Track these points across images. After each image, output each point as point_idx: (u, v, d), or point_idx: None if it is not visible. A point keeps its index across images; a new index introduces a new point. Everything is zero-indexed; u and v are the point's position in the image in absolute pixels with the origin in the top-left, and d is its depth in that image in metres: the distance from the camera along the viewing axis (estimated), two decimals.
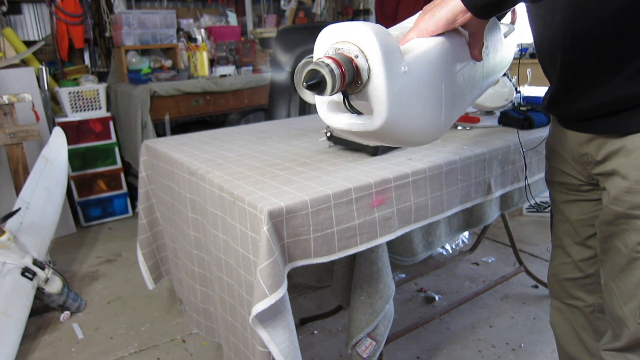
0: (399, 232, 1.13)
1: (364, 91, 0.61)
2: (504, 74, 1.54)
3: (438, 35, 0.70)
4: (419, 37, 0.70)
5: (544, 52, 0.90)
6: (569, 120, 0.91)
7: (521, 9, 0.92)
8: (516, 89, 1.71)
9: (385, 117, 0.61)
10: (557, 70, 0.86)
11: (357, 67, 0.60)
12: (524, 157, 1.37)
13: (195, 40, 3.36)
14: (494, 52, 0.89)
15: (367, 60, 0.59)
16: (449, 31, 0.72)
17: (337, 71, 0.58)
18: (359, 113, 0.65)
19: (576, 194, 0.98)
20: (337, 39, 0.61)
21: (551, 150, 1.03)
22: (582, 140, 0.87)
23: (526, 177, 1.37)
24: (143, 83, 2.92)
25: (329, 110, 0.67)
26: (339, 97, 0.65)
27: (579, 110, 0.85)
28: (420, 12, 0.74)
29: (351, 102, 0.64)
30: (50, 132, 2.42)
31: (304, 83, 0.58)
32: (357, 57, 0.60)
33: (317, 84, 0.58)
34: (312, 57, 0.65)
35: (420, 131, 0.71)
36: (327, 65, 0.58)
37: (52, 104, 3.02)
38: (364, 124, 0.64)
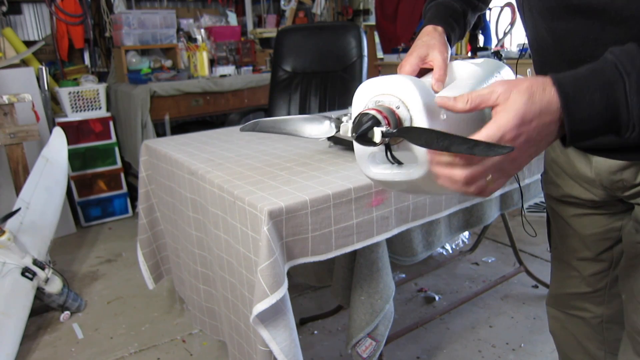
0: (395, 231, 1.14)
1: (406, 141, 0.62)
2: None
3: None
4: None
5: None
6: (596, 150, 0.83)
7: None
8: None
9: (429, 164, 0.62)
10: None
11: (399, 117, 0.61)
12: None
13: (195, 40, 3.36)
14: None
15: (408, 110, 0.61)
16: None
17: (383, 121, 0.59)
18: (400, 163, 0.66)
19: (587, 209, 0.93)
20: (377, 93, 0.63)
21: (558, 170, 0.95)
22: (615, 168, 0.81)
23: (519, 185, 1.37)
24: (143, 83, 2.92)
25: (369, 162, 0.68)
26: (380, 149, 0.66)
27: (612, 141, 0.77)
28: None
29: (393, 153, 0.65)
30: (50, 132, 2.42)
31: (353, 134, 0.59)
32: (398, 107, 0.61)
33: (365, 134, 0.59)
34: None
35: None
36: (373, 116, 0.59)
37: (52, 104, 3.02)
38: (407, 172, 0.64)
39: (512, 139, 0.54)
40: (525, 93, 0.53)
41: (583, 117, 0.52)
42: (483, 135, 0.54)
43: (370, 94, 0.63)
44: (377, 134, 0.58)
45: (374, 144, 0.60)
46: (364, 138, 0.59)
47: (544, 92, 0.53)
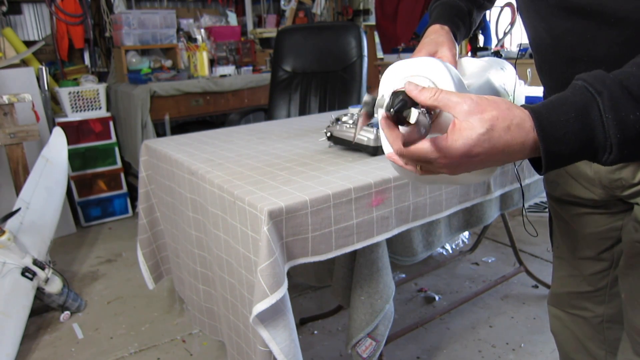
0: (396, 231, 1.14)
1: (437, 122, 0.60)
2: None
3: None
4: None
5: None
6: None
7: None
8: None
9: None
10: None
11: None
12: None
13: (195, 40, 3.36)
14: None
15: None
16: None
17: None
18: None
19: (588, 208, 0.93)
20: (406, 74, 0.62)
21: (559, 169, 0.94)
22: (613, 167, 0.80)
23: (521, 185, 1.37)
24: (143, 83, 2.92)
25: None
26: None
27: None
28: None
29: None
30: (50, 132, 2.42)
31: (391, 110, 0.56)
32: None
33: (401, 112, 0.56)
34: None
35: None
36: (407, 94, 0.57)
37: (52, 104, 3.02)
38: None
39: (445, 165, 0.54)
40: (486, 123, 0.51)
41: (558, 136, 0.49)
42: (426, 146, 0.53)
43: (400, 76, 0.62)
44: (414, 114, 0.55)
45: (408, 124, 0.57)
46: (399, 117, 0.56)
47: (508, 130, 0.50)
